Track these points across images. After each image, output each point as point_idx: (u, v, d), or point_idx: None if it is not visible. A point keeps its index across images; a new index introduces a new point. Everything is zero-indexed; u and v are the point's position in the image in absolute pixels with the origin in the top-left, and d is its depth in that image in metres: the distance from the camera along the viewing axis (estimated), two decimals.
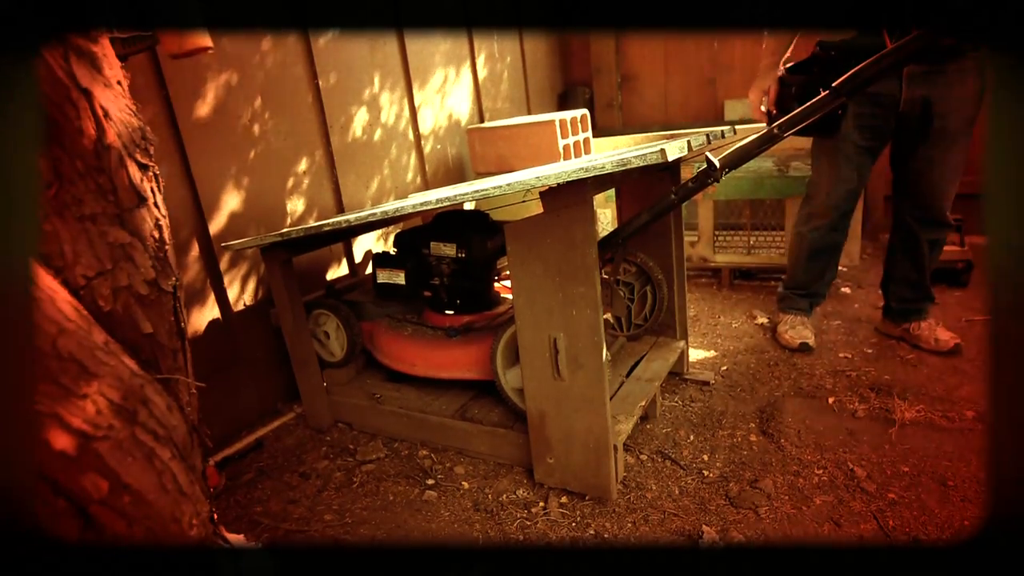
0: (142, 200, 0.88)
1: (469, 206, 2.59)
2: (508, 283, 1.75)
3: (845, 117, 1.83)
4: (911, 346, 2.09)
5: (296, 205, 2.20)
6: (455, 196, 1.44)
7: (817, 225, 2.09)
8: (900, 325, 2.13)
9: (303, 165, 2.23)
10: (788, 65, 1.82)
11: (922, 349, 2.06)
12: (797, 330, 2.18)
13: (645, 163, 1.15)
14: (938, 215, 1.95)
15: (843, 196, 2.02)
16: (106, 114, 0.82)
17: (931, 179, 1.90)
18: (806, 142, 2.36)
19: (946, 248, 2.65)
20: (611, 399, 1.49)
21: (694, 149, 1.34)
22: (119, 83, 0.87)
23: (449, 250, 1.87)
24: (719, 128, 1.88)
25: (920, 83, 1.81)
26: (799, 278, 2.23)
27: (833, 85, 1.32)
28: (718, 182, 1.39)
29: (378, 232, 2.62)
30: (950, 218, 1.96)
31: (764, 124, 1.81)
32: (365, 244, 2.57)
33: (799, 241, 2.18)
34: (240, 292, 2.02)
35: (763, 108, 1.84)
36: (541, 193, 1.33)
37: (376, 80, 2.56)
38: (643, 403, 1.65)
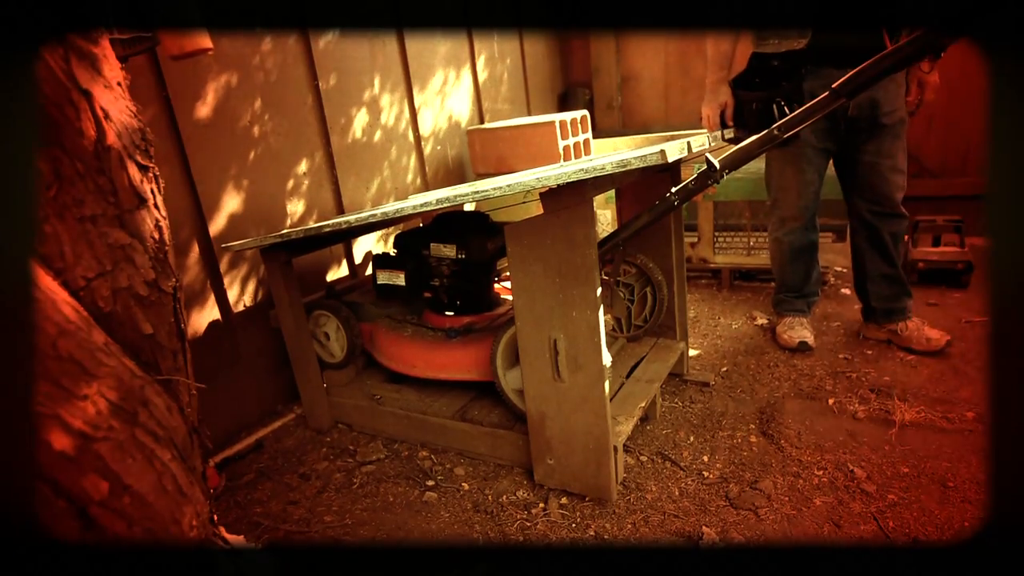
0: (142, 201, 0.88)
1: (469, 207, 2.59)
2: (508, 284, 1.75)
3: None
4: (900, 348, 2.09)
5: (296, 206, 2.20)
6: (455, 197, 1.44)
7: (792, 228, 2.15)
8: (884, 327, 2.13)
9: (303, 166, 2.23)
10: (730, 79, 1.87)
11: (913, 351, 2.06)
12: (796, 330, 2.18)
13: (645, 164, 1.15)
14: (894, 206, 2.01)
15: (811, 198, 2.09)
16: (106, 115, 0.82)
17: (882, 170, 1.97)
18: None
19: (946, 249, 2.66)
20: (611, 400, 1.49)
21: (694, 150, 1.34)
22: (119, 84, 0.87)
23: (449, 251, 1.87)
24: (719, 129, 1.89)
25: None
26: (788, 281, 2.26)
27: (833, 87, 1.32)
28: (718, 183, 1.39)
29: (378, 233, 2.62)
30: (904, 209, 2.02)
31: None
32: (365, 245, 2.57)
33: (778, 247, 2.23)
34: (240, 293, 2.02)
35: (726, 124, 1.90)
36: (541, 194, 1.33)
37: (376, 81, 2.56)
38: (643, 404, 1.65)
